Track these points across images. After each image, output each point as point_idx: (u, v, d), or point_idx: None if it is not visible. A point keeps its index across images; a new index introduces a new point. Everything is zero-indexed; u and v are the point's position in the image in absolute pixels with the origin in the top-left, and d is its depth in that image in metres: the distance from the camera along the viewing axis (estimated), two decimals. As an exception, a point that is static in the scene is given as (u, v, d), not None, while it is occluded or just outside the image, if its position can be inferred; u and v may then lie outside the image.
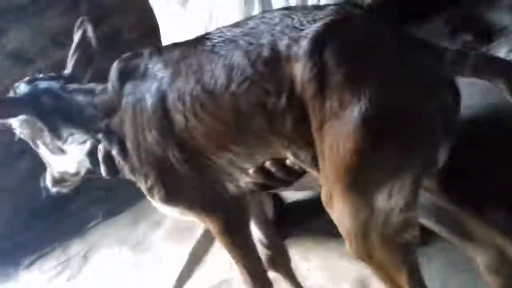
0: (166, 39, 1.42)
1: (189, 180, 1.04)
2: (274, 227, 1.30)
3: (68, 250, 2.24)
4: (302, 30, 0.82)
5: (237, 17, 1.22)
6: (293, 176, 0.95)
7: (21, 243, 2.31)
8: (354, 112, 0.74)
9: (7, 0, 2.40)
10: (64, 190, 1.31)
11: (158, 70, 1.02)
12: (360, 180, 0.78)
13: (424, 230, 0.90)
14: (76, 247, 2.23)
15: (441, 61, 0.75)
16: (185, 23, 1.36)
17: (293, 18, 0.85)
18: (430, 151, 0.80)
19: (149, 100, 1.02)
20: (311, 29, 0.80)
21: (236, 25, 0.97)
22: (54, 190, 1.29)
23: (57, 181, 1.27)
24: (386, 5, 1.28)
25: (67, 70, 1.19)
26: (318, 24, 0.80)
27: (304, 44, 0.80)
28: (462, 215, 0.91)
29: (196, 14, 1.33)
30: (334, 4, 0.87)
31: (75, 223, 2.26)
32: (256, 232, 1.22)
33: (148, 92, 1.02)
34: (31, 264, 2.26)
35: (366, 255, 0.82)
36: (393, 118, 0.74)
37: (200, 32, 1.18)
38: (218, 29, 1.00)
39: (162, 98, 1.00)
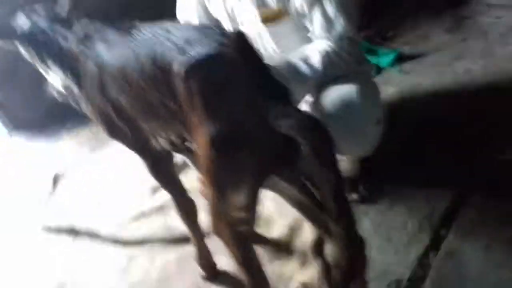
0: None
1: (123, 130, 1.27)
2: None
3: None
4: (184, 54, 0.99)
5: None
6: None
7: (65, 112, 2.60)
8: (207, 131, 0.96)
9: None
10: (65, 101, 1.51)
11: (102, 43, 1.21)
12: (214, 180, 1.01)
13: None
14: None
15: (269, 115, 0.94)
16: None
17: (187, 41, 1.00)
18: (261, 171, 1.01)
19: (92, 66, 1.22)
20: (188, 57, 0.98)
21: (156, 26, 1.13)
22: (56, 96, 1.52)
23: (57, 92, 1.50)
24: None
25: (63, 13, 1.36)
26: (193, 55, 0.97)
27: (181, 68, 0.98)
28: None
29: None
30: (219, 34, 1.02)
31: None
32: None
33: (92, 59, 1.22)
34: (72, 128, 2.59)
35: (217, 233, 1.08)
36: (230, 142, 0.96)
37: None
38: (145, 24, 1.17)
39: (99, 68, 1.20)
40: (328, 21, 1.33)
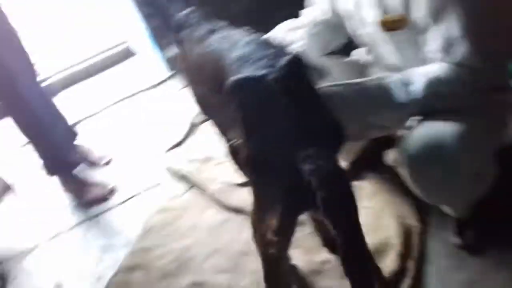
0: None
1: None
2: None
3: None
4: (236, 71, 1.02)
5: None
6: None
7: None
8: (245, 147, 1.02)
9: None
10: None
11: (193, 33, 1.31)
12: (254, 193, 1.06)
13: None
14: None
15: (297, 155, 0.92)
16: None
17: (244, 59, 1.03)
18: (289, 204, 1.00)
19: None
20: (235, 76, 1.00)
21: (232, 32, 1.18)
22: None
23: None
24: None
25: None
26: (241, 74, 1.00)
27: (227, 84, 1.02)
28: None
29: None
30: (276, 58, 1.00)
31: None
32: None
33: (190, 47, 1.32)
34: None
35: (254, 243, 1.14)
36: (259, 165, 1.01)
37: None
38: (227, 27, 1.23)
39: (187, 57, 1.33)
40: (448, 43, 1.13)
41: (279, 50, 1.05)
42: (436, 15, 1.13)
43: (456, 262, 1.43)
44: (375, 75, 1.37)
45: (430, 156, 1.16)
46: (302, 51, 1.40)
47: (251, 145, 0.99)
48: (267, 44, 1.08)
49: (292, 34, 1.58)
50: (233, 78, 1.00)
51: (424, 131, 1.19)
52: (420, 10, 1.16)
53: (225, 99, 1.07)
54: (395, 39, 1.30)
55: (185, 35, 1.34)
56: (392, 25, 1.25)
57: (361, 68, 1.56)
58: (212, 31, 1.23)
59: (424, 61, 1.23)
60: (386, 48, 1.36)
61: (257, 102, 0.99)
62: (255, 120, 0.99)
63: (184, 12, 1.39)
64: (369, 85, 1.22)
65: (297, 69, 1.00)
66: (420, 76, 1.18)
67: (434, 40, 1.17)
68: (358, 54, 1.63)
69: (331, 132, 1.01)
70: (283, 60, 0.98)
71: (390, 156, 1.64)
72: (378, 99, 1.19)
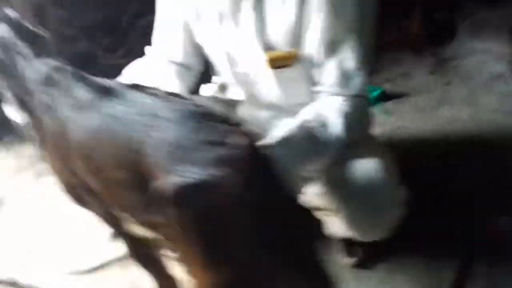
0: None
1: (93, 206, 1.09)
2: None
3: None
4: (173, 162, 0.75)
5: None
6: None
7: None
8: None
9: None
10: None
11: (66, 98, 0.95)
12: None
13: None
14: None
15: None
16: None
17: (178, 145, 0.75)
18: None
19: (52, 123, 1.00)
20: (180, 177, 0.74)
21: (143, 95, 0.85)
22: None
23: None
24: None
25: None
26: (187, 174, 0.73)
27: (170, 188, 0.75)
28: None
29: None
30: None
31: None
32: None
33: (52, 114, 0.98)
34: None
35: None
36: None
37: None
38: (129, 89, 0.88)
39: (60, 130, 0.97)
40: (345, 76, 1.13)
41: (219, 120, 0.78)
42: (331, 48, 1.11)
43: (352, 282, 1.42)
44: (248, 113, 1.27)
45: (368, 195, 1.15)
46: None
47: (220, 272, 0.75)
48: (202, 111, 0.80)
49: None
50: (180, 181, 0.71)
51: (358, 173, 1.16)
52: (312, 44, 1.13)
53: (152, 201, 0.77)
54: (281, 76, 1.20)
55: (51, 95, 0.94)
56: (282, 62, 1.17)
57: (227, 106, 1.43)
58: (104, 93, 0.87)
59: (310, 97, 1.18)
60: (265, 86, 1.26)
61: (219, 208, 0.72)
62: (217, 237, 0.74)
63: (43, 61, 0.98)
64: (295, 136, 1.08)
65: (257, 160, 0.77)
66: (332, 113, 1.11)
67: (329, 74, 1.13)
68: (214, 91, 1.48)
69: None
70: (239, 151, 0.74)
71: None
72: (311, 145, 1.07)
